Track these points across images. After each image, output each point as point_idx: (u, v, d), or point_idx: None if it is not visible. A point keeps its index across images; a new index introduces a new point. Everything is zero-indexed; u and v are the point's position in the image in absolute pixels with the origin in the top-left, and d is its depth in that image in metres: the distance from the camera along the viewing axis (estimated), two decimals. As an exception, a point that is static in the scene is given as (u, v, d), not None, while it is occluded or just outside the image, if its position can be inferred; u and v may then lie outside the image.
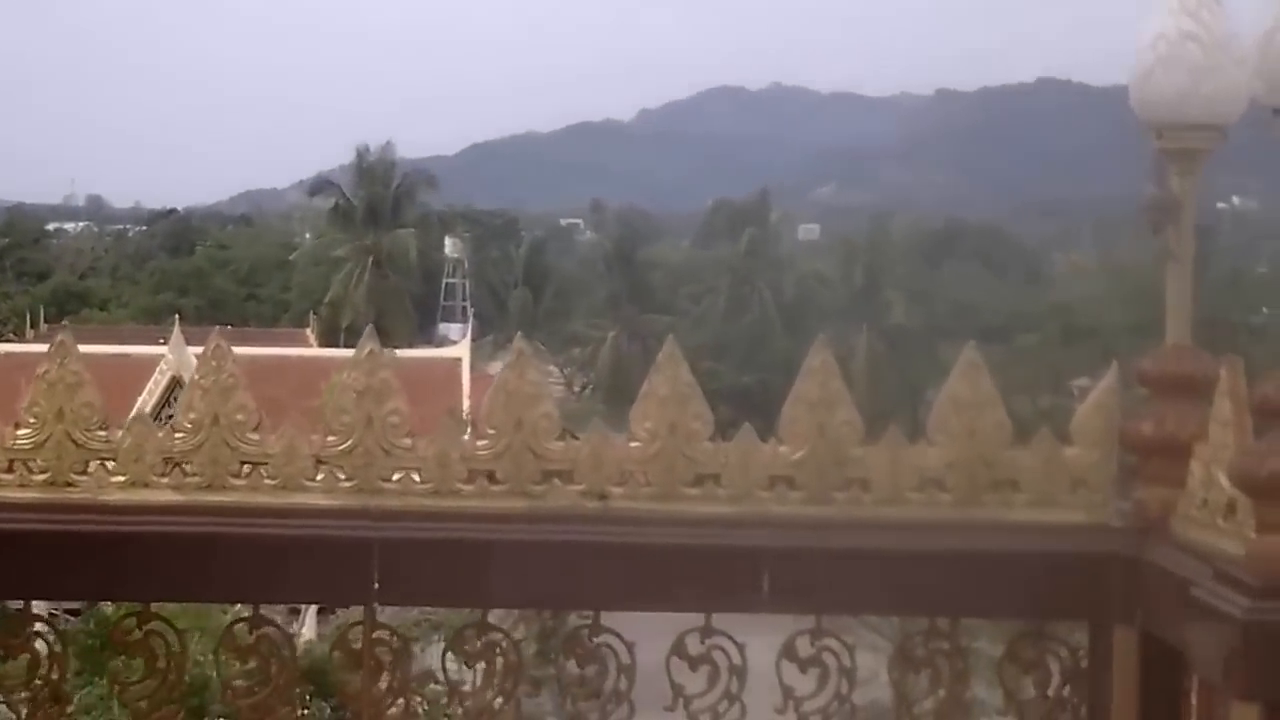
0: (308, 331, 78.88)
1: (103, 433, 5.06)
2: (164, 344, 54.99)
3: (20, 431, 4.93)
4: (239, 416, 4.95)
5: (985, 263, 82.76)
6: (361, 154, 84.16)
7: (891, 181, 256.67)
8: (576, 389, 78.86)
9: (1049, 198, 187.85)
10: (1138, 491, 4.85)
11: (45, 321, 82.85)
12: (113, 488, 4.94)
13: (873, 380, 60.44)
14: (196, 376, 5.15)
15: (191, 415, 4.99)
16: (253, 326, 70.19)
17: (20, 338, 77.59)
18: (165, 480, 5.02)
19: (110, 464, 4.96)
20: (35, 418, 5.01)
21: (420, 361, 53.30)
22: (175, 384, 48.55)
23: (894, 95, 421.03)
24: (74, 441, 5.02)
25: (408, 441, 4.96)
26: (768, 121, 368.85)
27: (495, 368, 65.11)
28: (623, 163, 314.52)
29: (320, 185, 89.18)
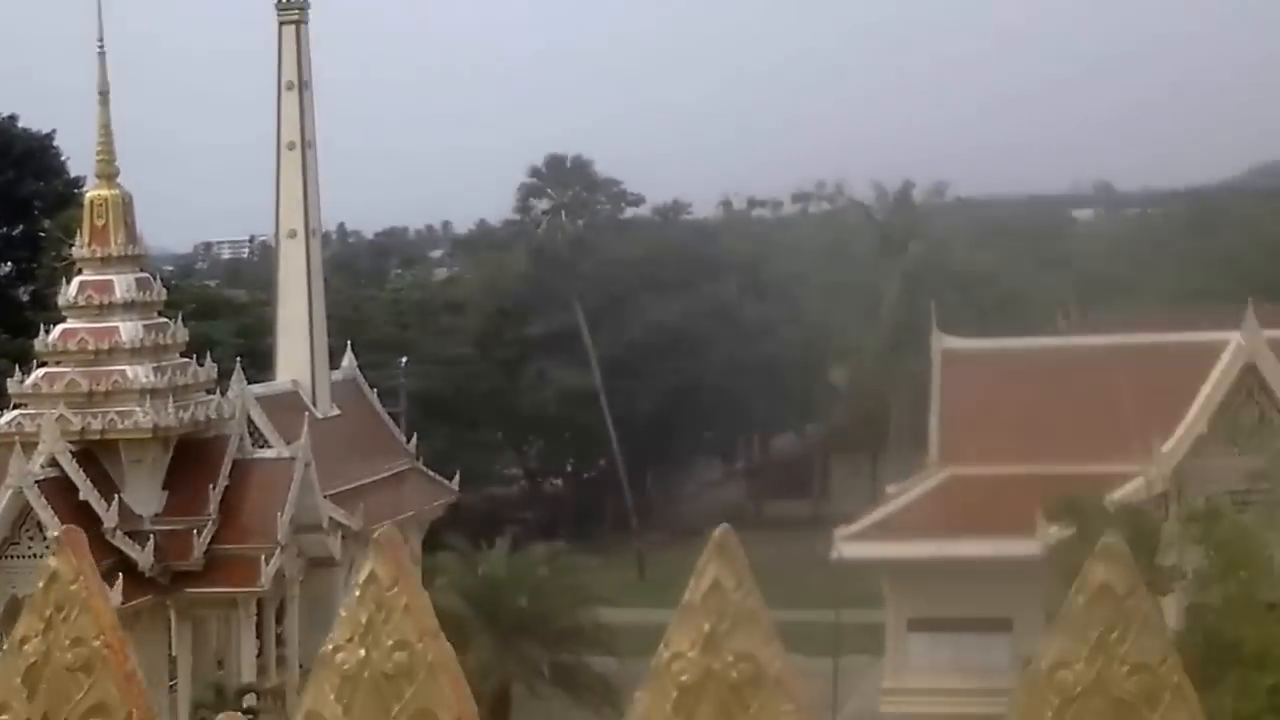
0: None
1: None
2: (1202, 328, 50.71)
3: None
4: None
5: None
6: None
7: None
8: None
9: None
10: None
11: (1075, 311, 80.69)
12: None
13: None
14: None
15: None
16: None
17: (1054, 329, 75.85)
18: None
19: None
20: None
21: None
22: (1248, 371, 44.19)
23: None
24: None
25: None
26: None
27: None
28: None
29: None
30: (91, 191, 41.12)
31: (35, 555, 36.13)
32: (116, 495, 39.03)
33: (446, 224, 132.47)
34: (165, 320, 41.15)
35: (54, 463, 38.18)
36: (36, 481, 37.29)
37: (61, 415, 38.90)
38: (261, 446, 46.42)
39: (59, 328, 39.94)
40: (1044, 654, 3.60)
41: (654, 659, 3.93)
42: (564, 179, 78.39)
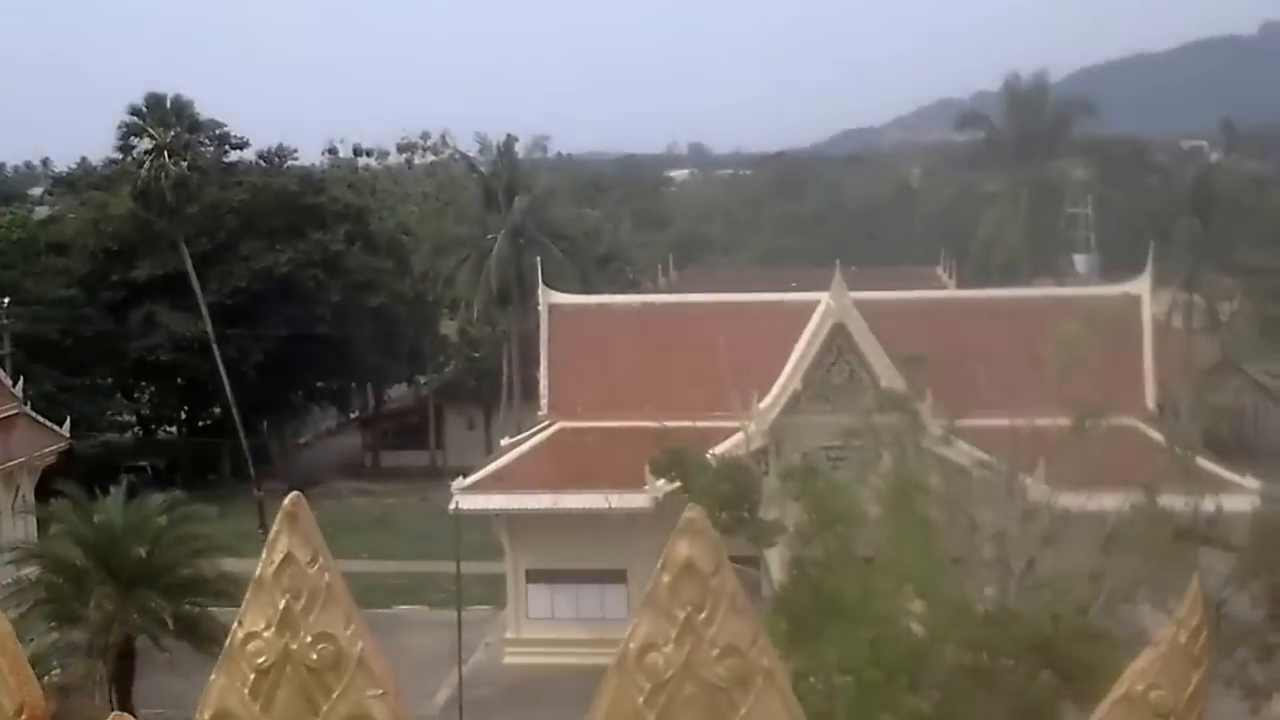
0: (938, 270, 76.23)
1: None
2: (796, 288, 53.47)
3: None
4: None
5: None
6: (1012, 83, 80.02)
7: None
8: (1224, 318, 72.81)
9: None
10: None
11: (674, 268, 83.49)
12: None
13: None
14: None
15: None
16: (873, 267, 67.76)
17: (654, 286, 78.39)
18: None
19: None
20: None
21: (1094, 301, 49.42)
22: (838, 331, 46.56)
23: None
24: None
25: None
26: None
27: (1162, 304, 60.76)
28: (1247, 80, 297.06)
29: (969, 119, 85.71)
30: None
31: None
32: None
33: (45, 161, 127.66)
34: None
35: None
36: None
37: None
38: None
39: None
40: (633, 635, 3.41)
41: (228, 639, 3.57)
42: (165, 119, 76.32)
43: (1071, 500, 30.03)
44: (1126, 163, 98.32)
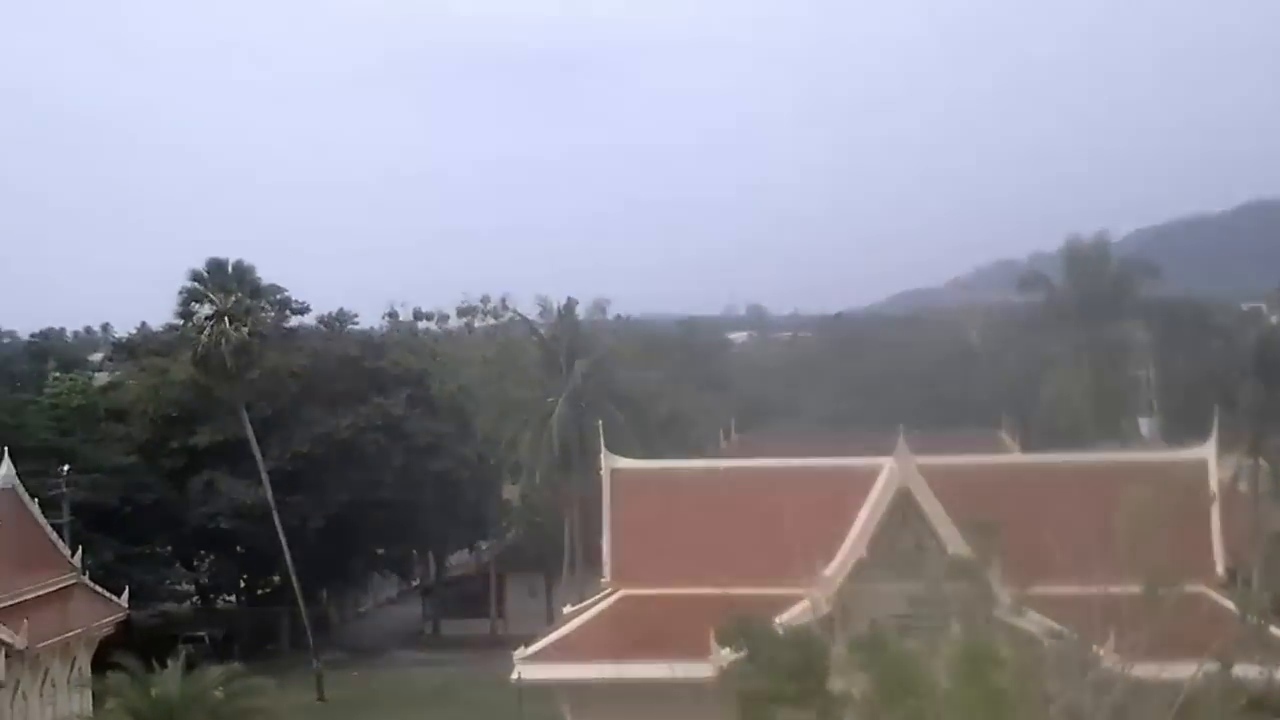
0: (1001, 433, 75.69)
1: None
2: (854, 453, 53.04)
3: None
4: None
5: None
6: (1073, 244, 79.94)
7: None
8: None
9: None
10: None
11: (735, 431, 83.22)
12: None
13: None
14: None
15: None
16: (934, 430, 67.27)
17: (716, 449, 78.08)
18: None
19: None
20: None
21: (1161, 466, 48.74)
22: (903, 497, 45.98)
23: None
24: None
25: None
26: None
27: (1228, 468, 60.02)
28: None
29: (1029, 280, 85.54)
30: None
31: None
32: None
33: (106, 326, 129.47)
34: None
35: None
36: None
37: None
38: (-85, 559, 44.68)
39: None
40: None
41: None
42: (226, 284, 76.92)
43: (1144, 670, 29.35)
44: (1187, 325, 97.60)
